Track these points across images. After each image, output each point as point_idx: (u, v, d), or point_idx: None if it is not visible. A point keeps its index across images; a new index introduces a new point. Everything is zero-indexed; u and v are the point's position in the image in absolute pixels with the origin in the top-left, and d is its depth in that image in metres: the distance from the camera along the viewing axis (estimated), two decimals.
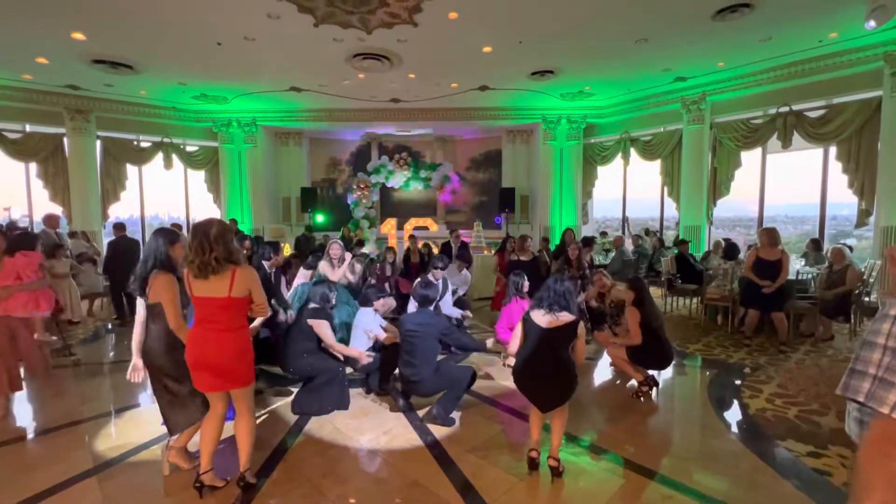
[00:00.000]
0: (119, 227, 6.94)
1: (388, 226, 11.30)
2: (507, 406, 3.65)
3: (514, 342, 2.76)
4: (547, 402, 2.63)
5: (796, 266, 6.38)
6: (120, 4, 5.25)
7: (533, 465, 2.69)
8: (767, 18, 5.72)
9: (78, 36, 6.09)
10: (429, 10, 5.48)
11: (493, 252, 8.30)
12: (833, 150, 7.39)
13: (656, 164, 9.76)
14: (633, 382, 3.99)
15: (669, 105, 9.05)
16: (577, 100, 9.68)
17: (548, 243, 8.61)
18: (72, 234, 7.88)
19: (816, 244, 6.98)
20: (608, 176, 11.04)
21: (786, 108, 7.66)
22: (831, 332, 5.56)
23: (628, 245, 8.74)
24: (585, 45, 6.64)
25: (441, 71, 7.86)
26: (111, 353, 5.43)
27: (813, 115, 7.49)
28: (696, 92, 8.56)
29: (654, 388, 3.92)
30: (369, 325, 3.83)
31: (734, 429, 3.29)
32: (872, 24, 5.22)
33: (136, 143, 9.88)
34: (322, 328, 3.46)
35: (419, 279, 3.50)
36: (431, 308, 3.52)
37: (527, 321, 2.70)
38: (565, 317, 2.63)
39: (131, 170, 9.96)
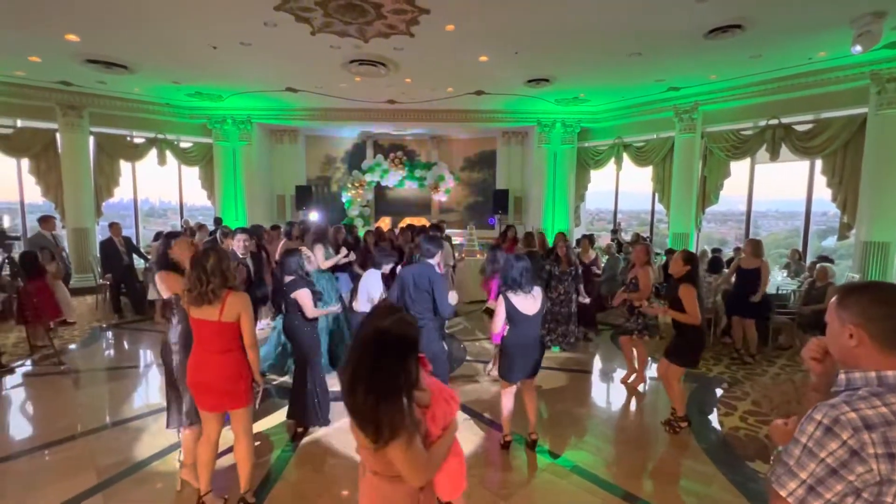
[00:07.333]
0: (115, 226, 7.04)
1: (383, 224, 11.37)
2: (493, 421, 3.79)
3: (499, 321, 3.20)
4: (536, 366, 3.33)
5: (777, 279, 6.59)
6: (114, 7, 5.21)
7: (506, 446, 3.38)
8: (758, 38, 5.81)
9: (71, 37, 6.03)
10: (426, 22, 5.51)
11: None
12: (819, 163, 7.57)
13: (648, 170, 9.89)
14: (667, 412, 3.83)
15: (662, 113, 9.15)
16: (572, 105, 9.75)
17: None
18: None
19: (798, 255, 7.19)
20: (601, 180, 11.17)
21: (775, 121, 7.79)
22: None
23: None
24: (580, 57, 6.70)
25: (437, 77, 7.88)
26: (107, 358, 5.52)
27: (801, 128, 7.62)
28: (689, 101, 8.67)
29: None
30: (373, 288, 3.94)
31: (709, 448, 3.46)
32: (858, 48, 5.33)
33: (129, 138, 9.82)
34: (302, 297, 3.47)
35: (424, 235, 3.67)
36: (432, 262, 3.51)
37: (511, 308, 3.14)
38: (539, 294, 3.21)
39: (125, 165, 9.92)
